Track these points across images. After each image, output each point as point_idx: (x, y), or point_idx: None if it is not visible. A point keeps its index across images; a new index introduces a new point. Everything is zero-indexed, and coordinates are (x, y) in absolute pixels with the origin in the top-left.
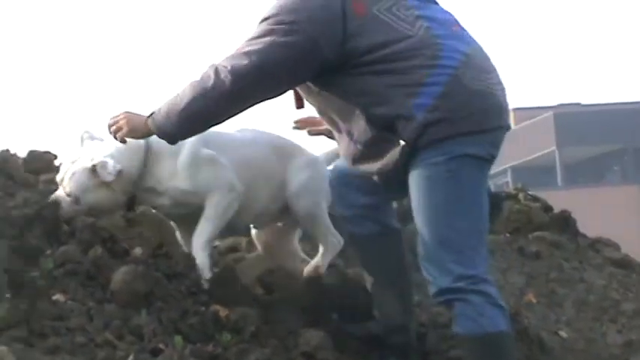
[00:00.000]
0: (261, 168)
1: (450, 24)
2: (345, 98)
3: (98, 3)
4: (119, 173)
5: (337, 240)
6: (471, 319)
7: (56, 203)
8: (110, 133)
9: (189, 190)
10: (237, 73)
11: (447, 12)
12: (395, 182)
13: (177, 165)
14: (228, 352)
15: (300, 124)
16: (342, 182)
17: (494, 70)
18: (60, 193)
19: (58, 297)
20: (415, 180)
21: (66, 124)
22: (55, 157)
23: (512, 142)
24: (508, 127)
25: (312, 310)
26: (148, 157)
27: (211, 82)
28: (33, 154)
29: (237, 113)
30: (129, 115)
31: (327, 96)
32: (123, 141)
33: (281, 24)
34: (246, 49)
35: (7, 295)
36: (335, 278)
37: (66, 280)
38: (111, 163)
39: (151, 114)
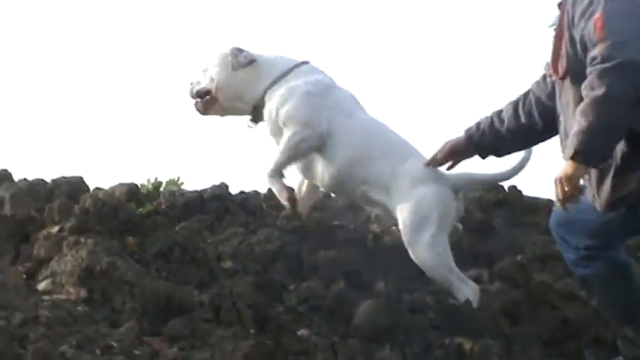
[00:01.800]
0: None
1: None
2: None
3: None
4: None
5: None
6: None
7: None
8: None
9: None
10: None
11: None
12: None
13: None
14: None
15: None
16: (564, 227)
17: None
18: None
19: (302, 332)
20: None
21: None
22: (292, 190)
23: None
24: None
25: (555, 342)
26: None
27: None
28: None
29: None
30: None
31: None
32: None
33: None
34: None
35: (252, 331)
36: (578, 310)
37: (310, 315)
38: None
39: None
